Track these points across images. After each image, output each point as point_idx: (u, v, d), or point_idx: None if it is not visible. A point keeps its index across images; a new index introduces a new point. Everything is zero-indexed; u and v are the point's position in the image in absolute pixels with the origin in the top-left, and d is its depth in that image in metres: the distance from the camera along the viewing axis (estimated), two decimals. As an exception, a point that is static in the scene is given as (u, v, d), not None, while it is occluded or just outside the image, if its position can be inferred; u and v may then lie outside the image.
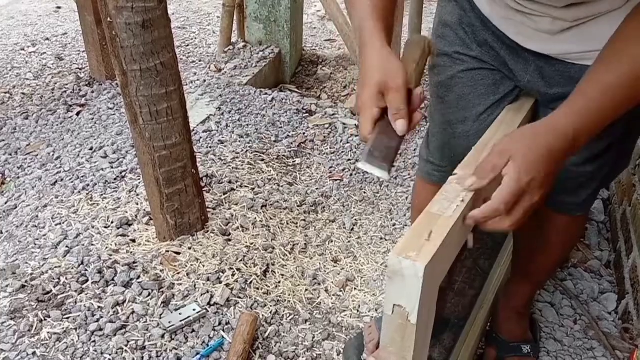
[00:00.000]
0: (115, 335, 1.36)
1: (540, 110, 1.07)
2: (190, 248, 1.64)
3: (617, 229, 1.85)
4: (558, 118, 0.79)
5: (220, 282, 1.55)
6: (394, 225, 1.94)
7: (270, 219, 1.86)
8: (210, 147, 2.20)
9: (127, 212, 1.77)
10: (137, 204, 1.80)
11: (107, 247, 1.61)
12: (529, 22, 0.94)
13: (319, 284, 1.66)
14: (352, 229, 1.91)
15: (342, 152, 2.32)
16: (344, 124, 2.51)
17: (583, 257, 1.82)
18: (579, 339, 1.51)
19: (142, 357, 1.31)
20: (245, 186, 2.00)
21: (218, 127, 2.36)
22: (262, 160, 2.19)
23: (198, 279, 1.54)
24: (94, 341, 1.34)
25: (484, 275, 1.58)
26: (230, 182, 1.98)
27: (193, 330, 1.40)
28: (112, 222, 1.72)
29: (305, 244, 1.80)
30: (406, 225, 1.92)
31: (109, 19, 1.36)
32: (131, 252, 1.61)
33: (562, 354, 1.46)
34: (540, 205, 0.78)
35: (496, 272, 1.60)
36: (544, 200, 0.79)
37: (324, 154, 2.32)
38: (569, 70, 0.96)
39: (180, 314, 1.42)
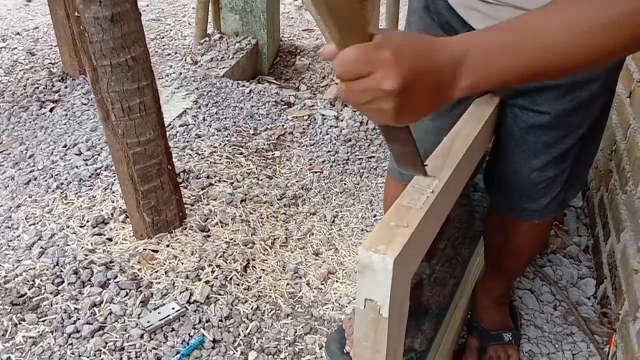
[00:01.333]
0: (92, 337, 1.33)
1: (506, 104, 1.06)
2: (168, 245, 1.62)
3: (594, 215, 1.87)
4: (462, 36, 0.63)
5: (200, 280, 1.53)
6: (375, 216, 1.93)
7: (250, 213, 1.84)
8: (187, 142, 2.16)
9: (102, 211, 1.73)
10: (113, 202, 1.77)
11: (82, 247, 1.58)
12: (492, 12, 0.93)
13: (300, 278, 1.65)
14: (333, 221, 1.91)
15: (322, 143, 2.31)
16: (323, 115, 2.49)
17: (562, 243, 1.84)
18: (558, 324, 1.52)
19: (121, 358, 1.29)
20: (224, 181, 1.97)
21: (195, 120, 2.33)
22: (241, 153, 2.16)
23: (177, 277, 1.52)
24: (71, 344, 1.32)
25: (464, 264, 1.59)
26: (208, 177, 1.96)
27: (173, 329, 1.39)
28: (87, 221, 1.69)
29: (285, 237, 1.79)
30: (387, 216, 1.92)
31: (76, 13, 1.32)
32: (108, 252, 1.58)
33: (542, 340, 1.47)
34: (389, 108, 0.58)
35: (475, 261, 1.60)
36: (396, 113, 0.59)
37: (304, 146, 2.30)
38: None
39: (159, 313, 1.40)
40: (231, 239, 1.70)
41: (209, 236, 1.69)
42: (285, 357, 1.39)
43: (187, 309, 1.44)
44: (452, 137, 0.90)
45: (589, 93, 0.95)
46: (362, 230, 1.87)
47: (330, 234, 1.85)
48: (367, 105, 0.59)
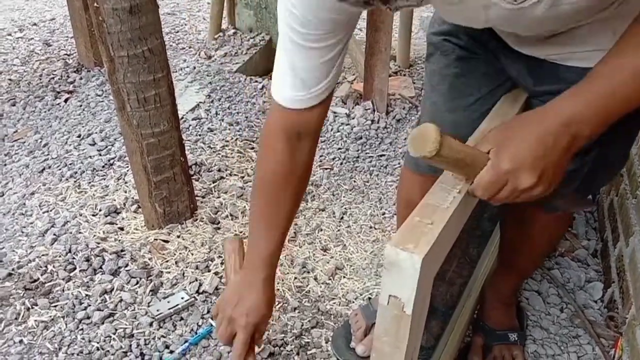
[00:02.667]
0: (103, 323, 1.35)
1: (532, 103, 1.07)
2: (178, 236, 1.64)
3: (604, 219, 1.87)
4: (552, 103, 0.76)
5: (209, 271, 1.54)
6: (384, 214, 1.94)
7: (260, 207, 1.85)
8: (200, 135, 2.18)
9: (115, 200, 1.76)
10: (126, 192, 1.79)
11: (94, 235, 1.60)
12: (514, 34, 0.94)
13: (308, 272, 1.67)
14: (342, 217, 1.92)
15: (333, 140, 2.32)
16: (335, 112, 2.50)
17: (570, 247, 1.83)
18: (564, 327, 1.53)
19: (130, 345, 1.31)
20: (235, 174, 1.99)
21: (207, 114, 2.35)
22: (252, 148, 2.18)
23: (187, 267, 1.54)
24: (82, 329, 1.34)
25: (472, 264, 1.59)
26: (219, 170, 1.98)
27: (181, 319, 1.40)
28: (100, 210, 1.71)
29: (294, 232, 1.80)
30: (395, 214, 1.93)
31: (95, 4, 1.34)
32: (119, 240, 1.60)
33: (548, 342, 1.47)
34: (539, 191, 0.75)
35: (484, 261, 1.61)
36: (546, 188, 0.75)
37: (314, 142, 2.31)
38: (557, 69, 0.95)
39: (168, 302, 1.42)
40: (241, 232, 1.71)
41: (219, 228, 1.71)
42: (292, 350, 1.41)
43: (196, 299, 1.45)
44: (478, 137, 0.90)
45: None
46: (371, 227, 1.88)
47: (338, 230, 1.86)
48: (521, 198, 0.76)
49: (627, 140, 1.05)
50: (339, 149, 2.27)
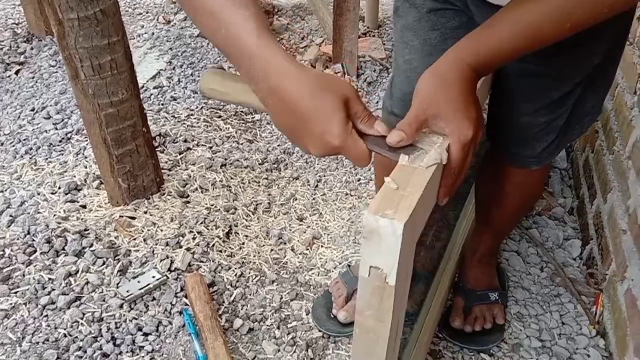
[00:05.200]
0: (69, 307, 1.27)
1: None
2: (146, 212, 1.55)
3: (579, 176, 1.86)
4: (460, 55, 0.74)
5: (181, 247, 1.47)
6: (359, 180, 1.89)
7: (231, 178, 1.77)
8: (163, 105, 2.07)
9: (75, 177, 1.65)
10: (86, 167, 1.69)
11: (55, 215, 1.50)
12: None
13: (285, 243, 1.61)
14: (317, 185, 1.85)
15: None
16: (304, 76, 2.41)
17: (547, 205, 1.82)
18: (545, 286, 1.52)
19: (100, 330, 1.23)
20: (202, 145, 1.90)
21: (169, 82, 2.23)
22: (219, 117, 2.08)
23: (156, 245, 1.46)
24: (46, 315, 1.25)
25: (450, 227, 1.56)
26: (185, 141, 1.88)
27: (154, 299, 1.33)
28: (59, 188, 1.60)
29: (268, 203, 1.73)
30: (371, 180, 1.88)
31: (37, -39, 1.21)
32: (82, 219, 1.51)
33: (530, 302, 1.46)
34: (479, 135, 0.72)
35: (462, 223, 1.58)
36: (479, 130, 0.72)
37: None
38: None
39: (138, 281, 1.34)
40: (212, 205, 1.64)
41: (188, 202, 1.63)
42: (272, 324, 1.36)
43: (168, 277, 1.38)
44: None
45: (586, 50, 0.92)
46: (347, 194, 1.83)
47: (314, 198, 1.80)
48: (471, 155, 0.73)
49: (603, 83, 1.01)
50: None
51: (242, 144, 1.97)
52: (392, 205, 0.64)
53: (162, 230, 1.50)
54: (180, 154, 1.81)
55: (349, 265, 1.51)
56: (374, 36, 2.76)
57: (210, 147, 1.89)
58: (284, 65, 0.63)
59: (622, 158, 1.50)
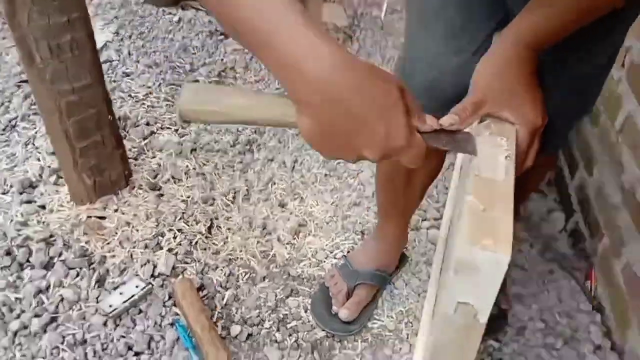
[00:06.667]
0: (45, 331, 1.11)
1: None
2: (116, 210, 1.39)
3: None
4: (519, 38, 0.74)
5: (161, 248, 1.33)
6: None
7: (204, 164, 1.63)
8: (115, 82, 1.86)
9: (27, 172, 1.44)
10: (39, 160, 1.48)
11: (12, 220, 1.31)
12: None
13: (270, 234, 1.50)
14: (294, 167, 1.74)
15: (270, 79, 2.08)
16: (265, 46, 2.25)
17: (527, 177, 1.82)
18: (538, 263, 1.51)
19: (85, 354, 1.09)
20: (167, 127, 1.72)
21: (119, 55, 2.00)
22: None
23: (134, 248, 1.31)
24: (19, 343, 1.09)
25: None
26: (148, 124, 1.70)
27: (140, 311, 1.19)
28: (10, 187, 1.40)
29: (247, 189, 1.61)
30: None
31: None
32: (44, 223, 1.32)
33: (528, 282, 1.45)
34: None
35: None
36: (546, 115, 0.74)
37: (249, 82, 2.07)
38: None
39: (121, 293, 1.20)
40: (188, 197, 1.49)
41: (162, 195, 1.48)
42: (271, 327, 1.26)
43: (153, 285, 1.24)
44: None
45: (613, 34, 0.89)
46: (326, 175, 1.73)
47: (292, 181, 1.69)
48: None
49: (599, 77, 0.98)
50: (277, 88, 2.05)
51: (209, 125, 1.80)
52: (487, 233, 0.56)
53: (138, 231, 1.35)
54: (144, 139, 1.63)
55: (344, 256, 1.43)
56: (333, 2, 2.62)
57: (176, 130, 1.72)
58: (333, 54, 0.50)
59: (611, 132, 1.49)
